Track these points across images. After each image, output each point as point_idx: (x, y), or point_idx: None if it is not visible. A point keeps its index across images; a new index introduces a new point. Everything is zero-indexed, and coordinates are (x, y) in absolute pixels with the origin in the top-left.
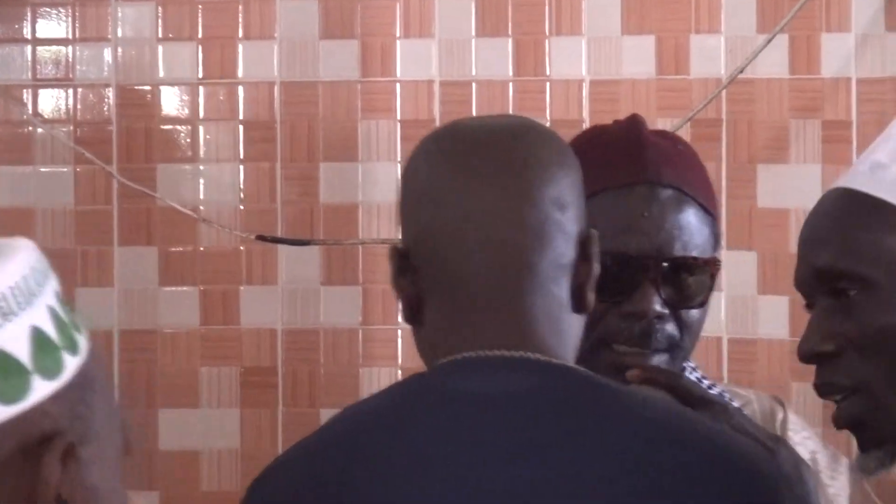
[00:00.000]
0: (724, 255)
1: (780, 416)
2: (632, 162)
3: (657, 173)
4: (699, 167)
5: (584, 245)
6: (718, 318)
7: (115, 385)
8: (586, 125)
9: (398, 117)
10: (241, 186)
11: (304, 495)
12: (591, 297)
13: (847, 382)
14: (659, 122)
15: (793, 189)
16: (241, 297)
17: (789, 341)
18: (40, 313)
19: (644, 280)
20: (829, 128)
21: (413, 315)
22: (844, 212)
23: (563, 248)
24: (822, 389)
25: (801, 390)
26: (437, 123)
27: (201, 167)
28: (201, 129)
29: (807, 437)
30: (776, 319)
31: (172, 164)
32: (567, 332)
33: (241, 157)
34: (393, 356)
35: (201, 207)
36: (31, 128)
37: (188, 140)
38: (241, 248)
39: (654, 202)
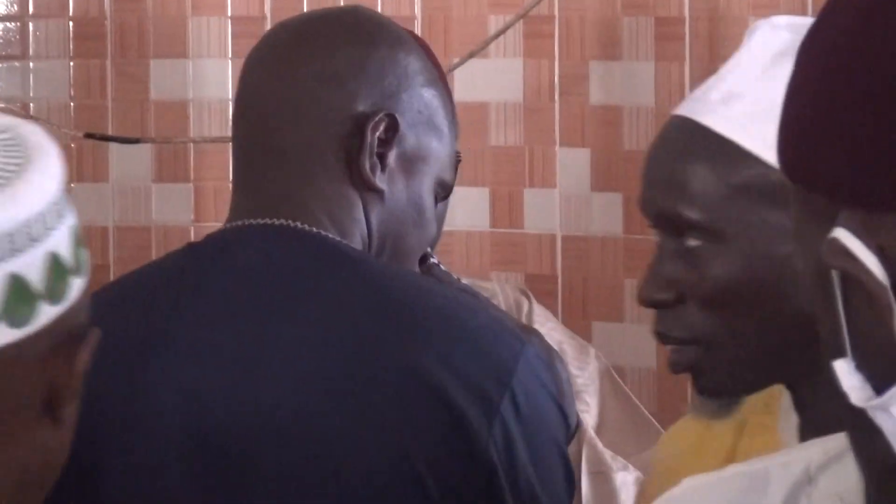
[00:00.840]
0: (558, 152)
1: (525, 307)
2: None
3: None
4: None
5: (359, 122)
6: (553, 215)
7: None
8: None
9: (229, 14)
10: (71, 83)
11: None
12: (367, 172)
13: (685, 334)
14: (492, 21)
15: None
16: (73, 195)
17: (623, 238)
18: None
19: None
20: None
21: None
22: (689, 151)
23: (327, 124)
24: (660, 337)
25: (633, 287)
26: (269, 21)
27: (31, 64)
28: (31, 25)
29: (552, 328)
30: (609, 216)
31: (1, 63)
32: (338, 203)
33: (71, 53)
34: None
35: (31, 105)
36: None
37: (17, 37)
38: (72, 145)
39: None
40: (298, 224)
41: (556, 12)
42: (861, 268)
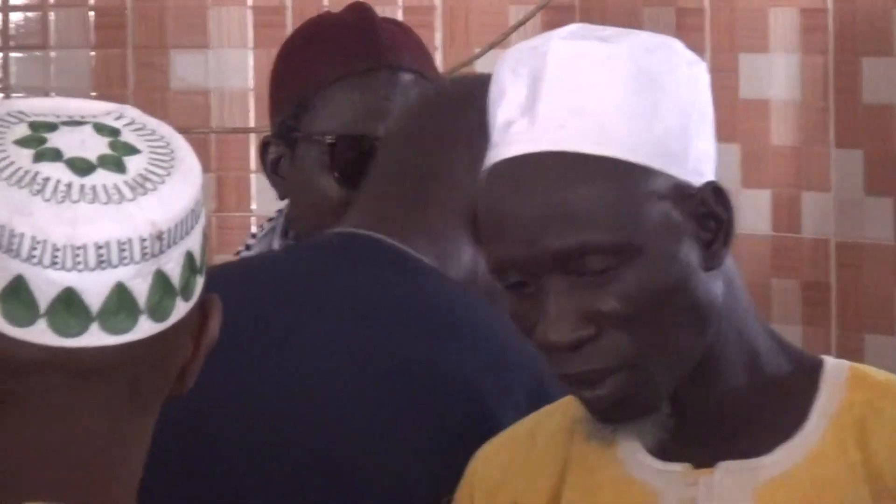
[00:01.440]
0: None
1: None
2: (370, 47)
3: (396, 58)
4: (430, 55)
5: None
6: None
7: None
8: None
9: (249, 4)
10: (92, 73)
11: None
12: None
13: (611, 362)
14: (512, 11)
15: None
16: None
17: (771, 237)
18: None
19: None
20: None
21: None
22: (564, 180)
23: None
24: (585, 378)
25: (780, 286)
26: (290, 11)
27: (52, 54)
28: (52, 15)
29: None
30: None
31: (21, 52)
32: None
33: (93, 43)
34: None
35: (52, 94)
36: None
37: (38, 26)
38: None
39: (396, 86)
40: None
41: (577, 2)
42: None
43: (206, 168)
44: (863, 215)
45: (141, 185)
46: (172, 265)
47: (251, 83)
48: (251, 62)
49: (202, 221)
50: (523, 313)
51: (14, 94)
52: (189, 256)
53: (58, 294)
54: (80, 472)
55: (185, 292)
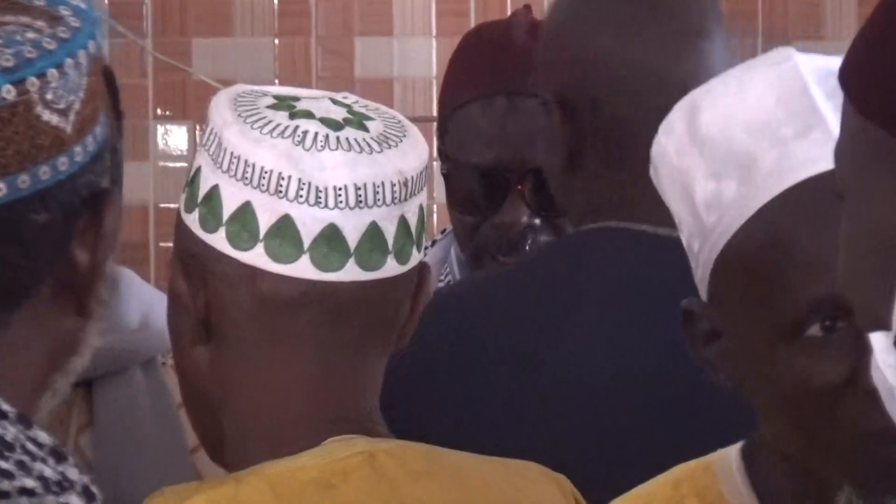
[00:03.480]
0: None
1: None
2: (493, 72)
3: (518, 82)
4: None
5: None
6: None
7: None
8: None
9: None
10: (276, 60)
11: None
12: None
13: None
14: None
15: None
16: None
17: None
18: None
19: (511, 191)
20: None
21: (567, 162)
22: None
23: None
24: None
25: None
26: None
27: (237, 41)
28: (237, 3)
29: None
30: None
31: (207, 39)
32: None
33: (277, 30)
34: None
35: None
36: None
37: (224, 13)
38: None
39: (514, 112)
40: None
41: None
42: None
43: None
44: None
45: (385, 142)
46: (411, 214)
47: (434, 71)
48: (434, 50)
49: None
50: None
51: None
52: (420, 209)
53: (321, 230)
54: (338, 406)
55: (419, 242)
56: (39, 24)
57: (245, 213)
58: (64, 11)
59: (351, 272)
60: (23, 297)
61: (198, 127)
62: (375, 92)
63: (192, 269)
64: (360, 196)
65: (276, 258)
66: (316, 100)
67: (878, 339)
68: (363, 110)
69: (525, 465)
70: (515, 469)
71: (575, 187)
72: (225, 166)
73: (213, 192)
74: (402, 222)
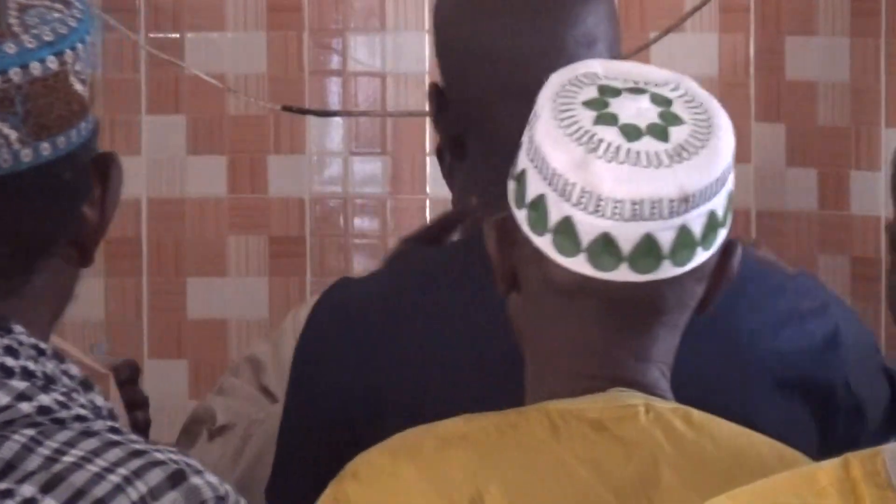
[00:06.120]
0: (753, 127)
1: None
2: None
3: None
4: None
5: None
6: (747, 190)
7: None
8: None
9: None
10: (267, 55)
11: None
12: None
13: None
14: None
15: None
16: (268, 166)
17: (817, 214)
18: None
19: None
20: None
21: (453, 149)
22: None
23: None
24: None
25: (827, 263)
26: None
27: (228, 35)
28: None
29: None
30: (805, 192)
31: (200, 33)
32: None
33: (267, 25)
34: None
35: (228, 75)
36: None
37: (216, 8)
38: (269, 117)
39: None
40: None
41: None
42: None
43: (382, 150)
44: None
45: (678, 154)
46: (696, 222)
47: (427, 66)
48: (427, 45)
49: (729, 185)
50: None
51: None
52: (712, 214)
53: (597, 236)
54: (622, 368)
55: (706, 243)
56: (58, 6)
57: (540, 203)
58: None
59: (623, 274)
60: (47, 250)
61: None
62: (367, 87)
63: (504, 235)
64: (636, 210)
65: (560, 250)
66: (639, 95)
67: None
68: (680, 110)
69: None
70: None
71: (464, 173)
72: (531, 155)
73: (522, 175)
74: (683, 230)
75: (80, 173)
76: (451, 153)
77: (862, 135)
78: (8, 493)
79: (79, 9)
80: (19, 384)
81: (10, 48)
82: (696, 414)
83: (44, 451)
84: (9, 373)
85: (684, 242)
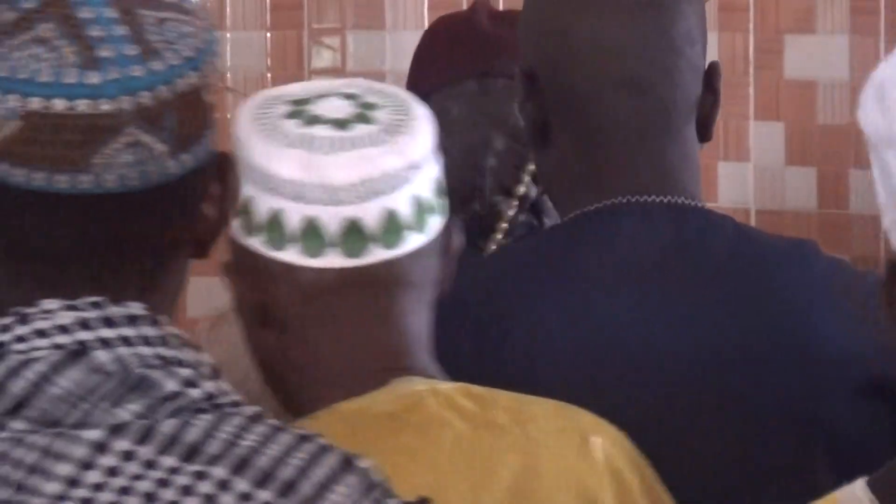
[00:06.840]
0: (751, 126)
1: None
2: (462, 57)
3: (486, 66)
4: None
5: (709, 77)
6: (747, 189)
7: None
8: None
9: None
10: (268, 54)
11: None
12: (711, 127)
13: None
14: None
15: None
16: None
17: (817, 213)
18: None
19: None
20: None
21: (537, 138)
22: None
23: (693, 86)
24: None
25: None
26: None
27: (228, 35)
28: None
29: None
30: (804, 190)
31: None
32: (698, 168)
33: (269, 24)
34: None
35: (228, 75)
36: None
37: (216, 8)
38: None
39: (484, 95)
40: (681, 199)
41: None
42: None
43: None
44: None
45: (389, 132)
46: (424, 189)
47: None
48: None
49: (433, 173)
50: None
51: None
52: (432, 180)
53: (344, 225)
54: (396, 358)
55: (438, 208)
56: (187, 17)
57: (276, 218)
58: (190, 6)
59: (378, 254)
60: (181, 246)
61: None
62: None
63: (243, 275)
64: (373, 187)
65: (308, 253)
66: (326, 98)
67: None
68: (371, 98)
69: (578, 412)
70: (568, 413)
71: (550, 163)
72: (254, 179)
73: (248, 203)
74: (416, 201)
75: (204, 175)
76: (535, 141)
77: (861, 133)
78: (201, 475)
79: (205, 20)
80: (183, 371)
81: (158, 66)
82: (474, 388)
83: (222, 435)
84: (171, 362)
85: (421, 212)
